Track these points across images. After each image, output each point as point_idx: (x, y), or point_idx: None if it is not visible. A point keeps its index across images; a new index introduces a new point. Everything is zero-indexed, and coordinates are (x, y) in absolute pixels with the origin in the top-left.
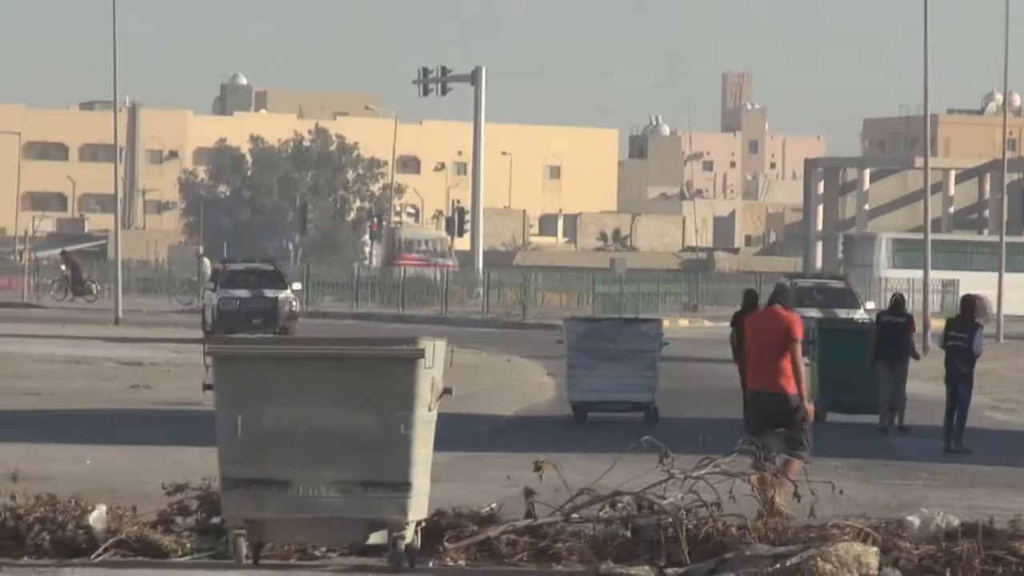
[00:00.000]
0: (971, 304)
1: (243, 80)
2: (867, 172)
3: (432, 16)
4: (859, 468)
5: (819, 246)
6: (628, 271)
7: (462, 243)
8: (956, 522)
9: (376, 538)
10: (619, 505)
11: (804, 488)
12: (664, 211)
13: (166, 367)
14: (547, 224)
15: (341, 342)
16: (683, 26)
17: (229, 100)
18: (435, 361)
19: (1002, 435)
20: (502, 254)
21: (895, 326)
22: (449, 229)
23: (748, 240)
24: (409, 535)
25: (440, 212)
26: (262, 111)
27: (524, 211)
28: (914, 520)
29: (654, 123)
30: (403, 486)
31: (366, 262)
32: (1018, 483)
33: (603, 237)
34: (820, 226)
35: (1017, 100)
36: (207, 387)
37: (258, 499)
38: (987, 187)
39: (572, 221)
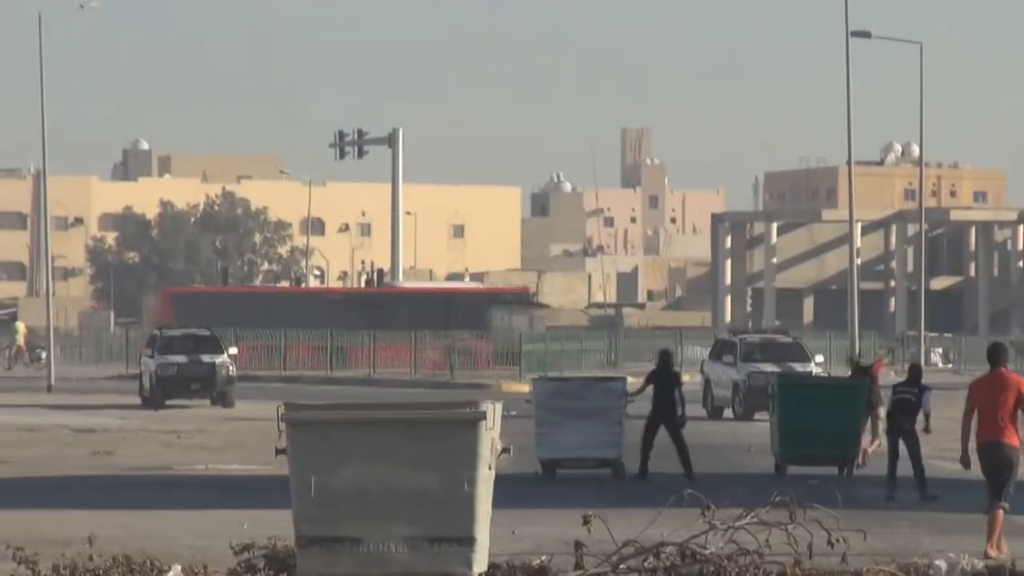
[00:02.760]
0: (919, 369)
1: (145, 145)
2: (774, 225)
3: (323, 78)
4: (841, 517)
5: (727, 300)
6: (547, 329)
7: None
8: (980, 565)
9: None
10: (663, 555)
11: (836, 536)
12: (568, 268)
13: (119, 433)
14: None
15: (406, 407)
16: (581, 82)
17: (131, 165)
18: (495, 422)
19: (957, 484)
20: None
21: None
22: None
23: (651, 295)
24: None
25: (345, 273)
26: (166, 176)
27: (431, 270)
28: (942, 564)
29: (555, 180)
30: (468, 540)
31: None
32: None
33: None
34: (728, 280)
35: (915, 151)
36: (280, 451)
37: (332, 556)
38: (892, 238)
39: (479, 280)
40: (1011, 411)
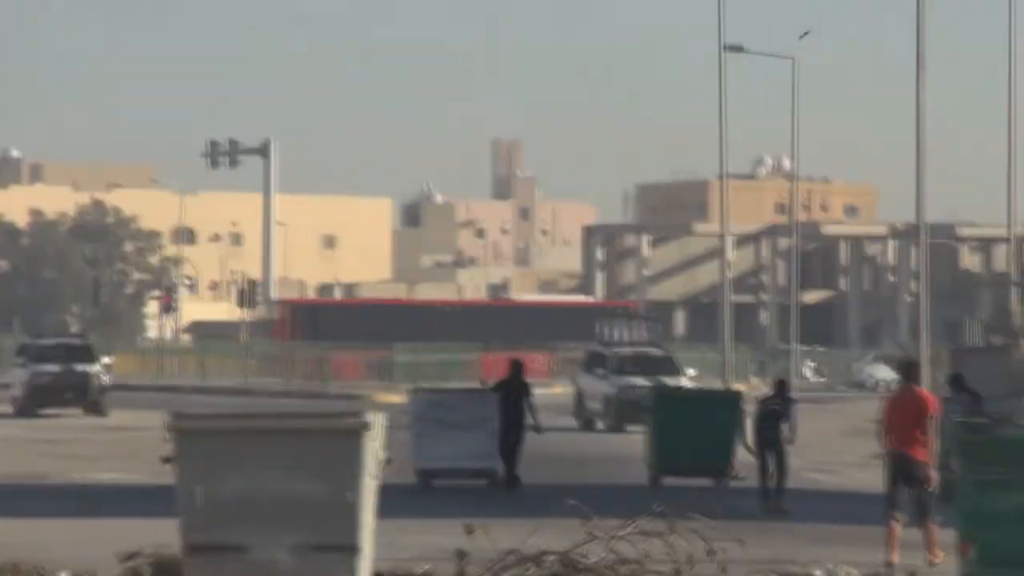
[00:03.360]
0: (785, 383)
1: (15, 153)
2: (645, 238)
3: (196, 86)
4: (719, 528)
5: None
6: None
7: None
8: (856, 575)
9: None
10: (545, 564)
11: (715, 546)
12: (439, 279)
13: None
14: (324, 294)
15: (292, 416)
16: (453, 93)
17: (1, 173)
18: (379, 433)
19: (831, 496)
20: None
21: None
22: (241, 301)
23: None
24: None
25: (216, 283)
26: (37, 184)
27: (302, 281)
28: (819, 574)
29: (427, 191)
30: (352, 549)
31: (149, 334)
32: (872, 540)
33: None
34: (600, 292)
35: (787, 165)
36: (166, 460)
37: (217, 563)
38: (764, 251)
39: (350, 291)
40: (922, 426)
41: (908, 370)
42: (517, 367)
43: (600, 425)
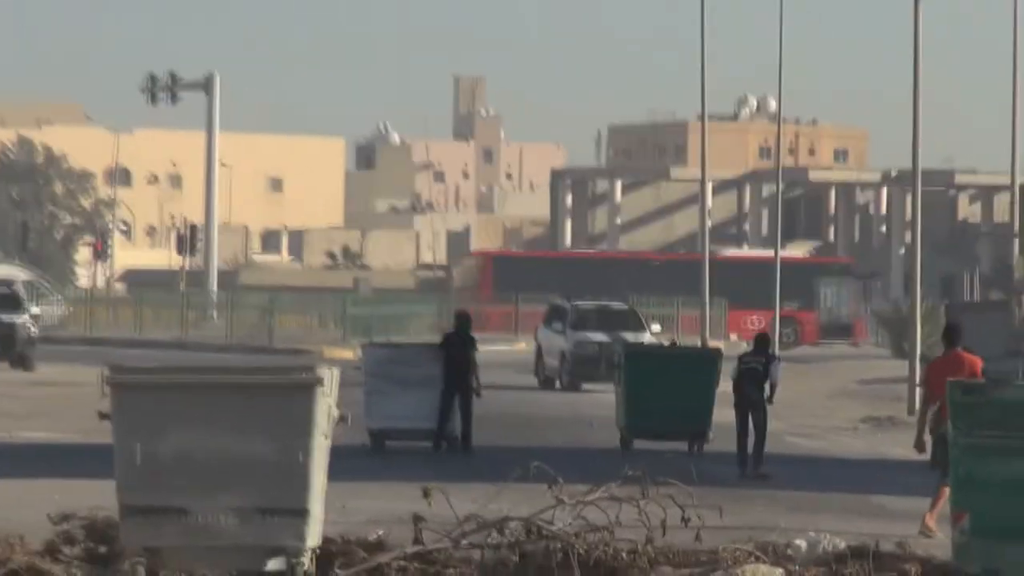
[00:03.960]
0: (766, 339)
1: None
2: (618, 183)
3: (133, 17)
4: (695, 494)
5: None
6: (373, 291)
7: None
8: (843, 545)
9: (273, 564)
10: (507, 531)
11: (691, 513)
12: (395, 225)
13: None
14: (270, 241)
15: (238, 371)
16: (411, 25)
17: None
18: (332, 388)
19: (814, 461)
20: (224, 274)
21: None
22: (180, 248)
23: None
24: (307, 562)
25: (154, 228)
26: None
27: (246, 227)
28: (801, 544)
29: (382, 131)
30: (301, 512)
31: (80, 282)
32: (856, 508)
33: (332, 255)
34: (568, 241)
35: (772, 105)
36: (103, 416)
37: (156, 527)
38: (746, 199)
39: (297, 238)
40: None
41: (952, 333)
42: (463, 319)
43: (559, 384)
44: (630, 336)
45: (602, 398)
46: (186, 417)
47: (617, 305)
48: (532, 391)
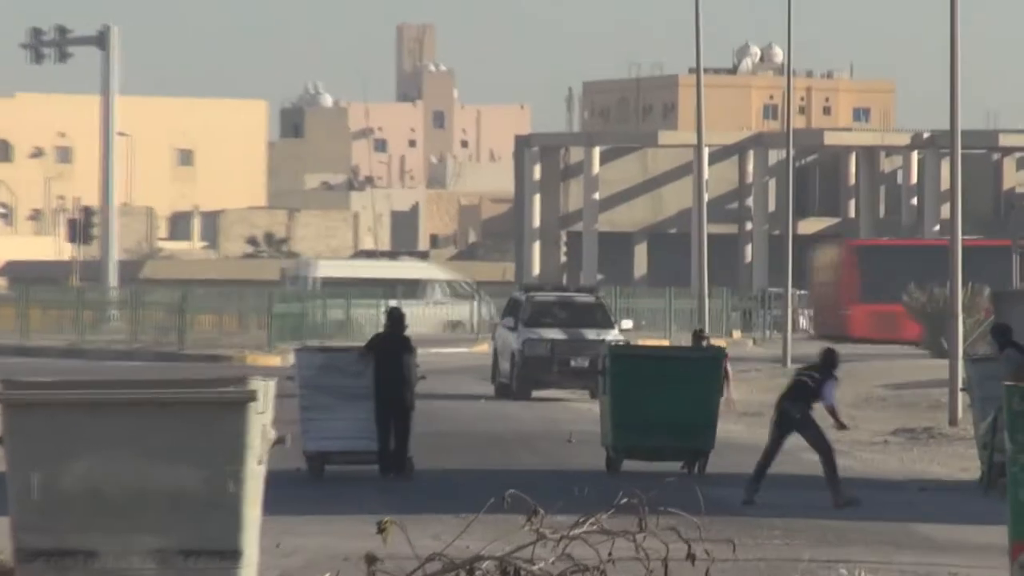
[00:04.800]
0: (832, 357)
1: None
2: (596, 151)
3: None
4: (703, 525)
5: (536, 247)
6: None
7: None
8: None
9: None
10: (479, 572)
11: (698, 548)
12: (328, 205)
13: None
14: (180, 226)
15: (155, 385)
16: None
17: None
18: (267, 405)
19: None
20: (125, 266)
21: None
22: (72, 235)
23: (435, 240)
24: None
25: (39, 212)
26: None
27: (150, 209)
28: None
29: (312, 92)
30: (232, 554)
31: None
32: (893, 538)
33: (253, 241)
34: (536, 221)
35: (779, 55)
36: None
37: (60, 572)
38: (750, 168)
39: (212, 221)
40: None
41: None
42: (397, 318)
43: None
44: (592, 334)
45: (580, 409)
46: (93, 442)
47: (582, 297)
48: (490, 401)
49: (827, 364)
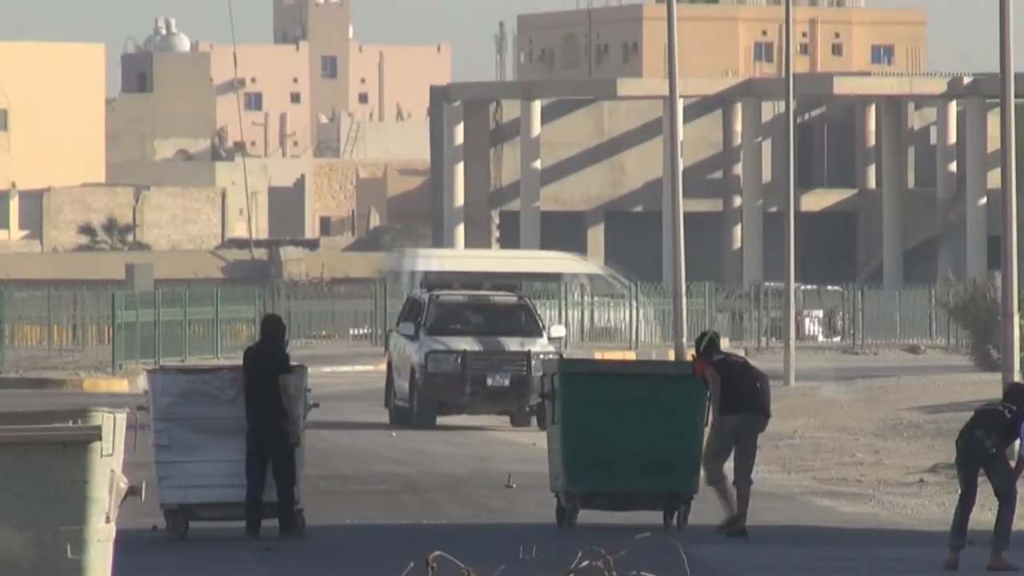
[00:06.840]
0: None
1: None
2: (536, 105)
3: None
4: None
5: (460, 232)
6: (157, 284)
7: None
8: None
9: None
10: None
11: None
12: (186, 180)
13: None
14: None
15: None
16: None
17: None
18: (115, 445)
19: (861, 535)
20: None
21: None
22: None
23: (327, 225)
24: None
25: None
26: None
27: None
28: None
29: (163, 32)
30: None
31: None
32: None
33: (89, 229)
34: (460, 198)
35: None
36: None
37: None
38: (737, 125)
39: (35, 203)
40: None
41: None
42: (273, 327)
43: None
44: (514, 342)
45: (520, 443)
46: None
47: (501, 297)
48: (383, 430)
49: (1022, 397)
